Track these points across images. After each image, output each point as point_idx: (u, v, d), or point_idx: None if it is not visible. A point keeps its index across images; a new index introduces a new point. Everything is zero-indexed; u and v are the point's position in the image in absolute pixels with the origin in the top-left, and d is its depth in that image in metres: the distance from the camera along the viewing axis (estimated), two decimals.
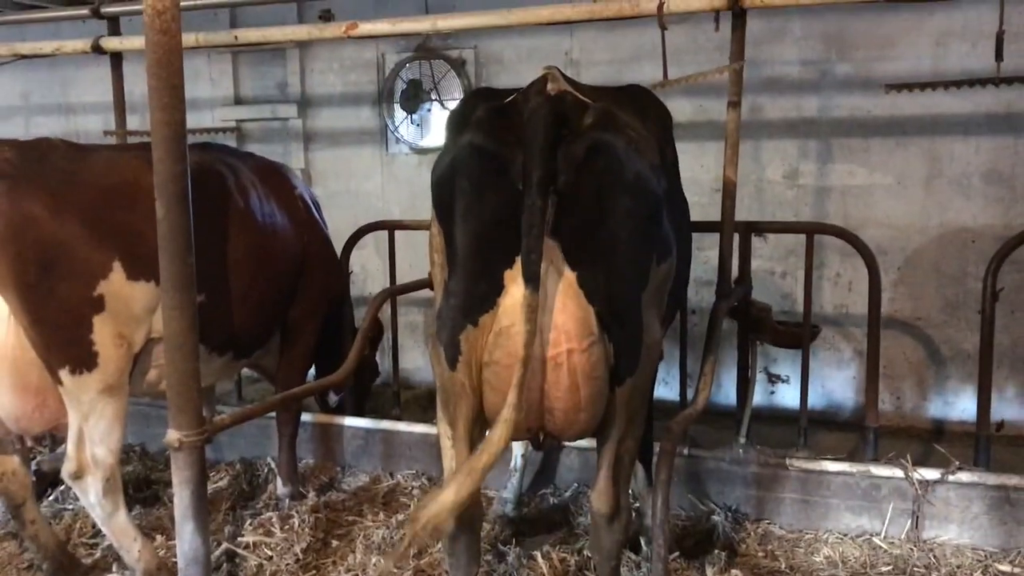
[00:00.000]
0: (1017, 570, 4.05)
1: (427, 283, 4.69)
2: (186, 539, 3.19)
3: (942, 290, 5.90)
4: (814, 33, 6.02)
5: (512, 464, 4.67)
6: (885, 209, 5.99)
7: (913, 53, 5.80)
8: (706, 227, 4.65)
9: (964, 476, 4.30)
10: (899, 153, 5.95)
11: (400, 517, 4.60)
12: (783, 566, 4.12)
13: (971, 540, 4.25)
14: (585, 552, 4.13)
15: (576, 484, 4.85)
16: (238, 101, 7.73)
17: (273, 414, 4.90)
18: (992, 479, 4.27)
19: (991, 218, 5.74)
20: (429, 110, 7.16)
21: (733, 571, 3.99)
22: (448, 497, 2.62)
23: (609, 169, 2.76)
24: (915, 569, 4.06)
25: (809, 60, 6.05)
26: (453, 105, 6.92)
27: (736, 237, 4.60)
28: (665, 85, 4.24)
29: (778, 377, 6.29)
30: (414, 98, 7.10)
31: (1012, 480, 4.24)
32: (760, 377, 6.12)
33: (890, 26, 5.84)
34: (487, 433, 2.68)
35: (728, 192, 4.35)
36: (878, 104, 5.89)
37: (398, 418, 5.52)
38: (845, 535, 4.38)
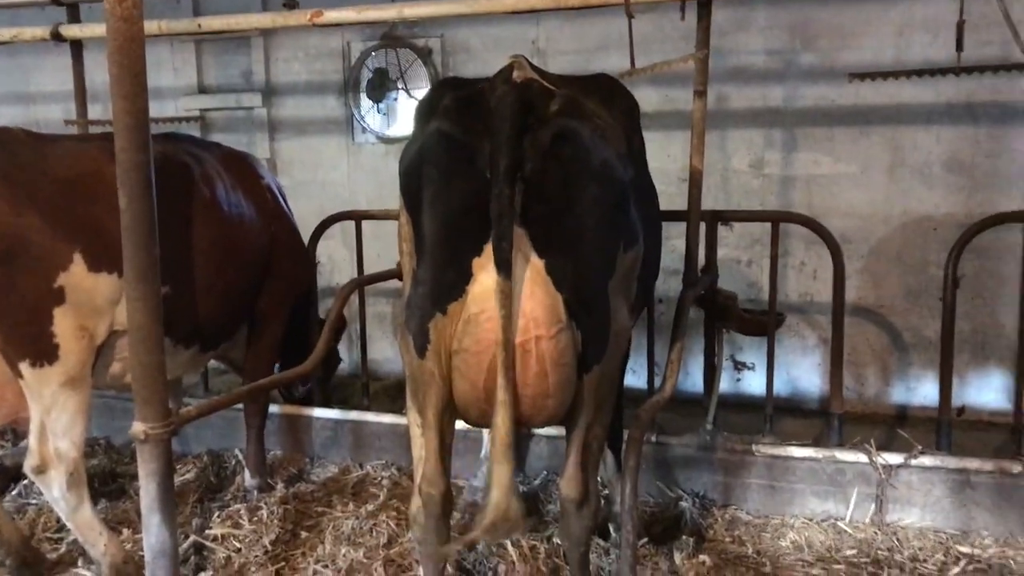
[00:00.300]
0: (977, 551, 4.13)
1: (395, 273, 4.69)
2: (153, 532, 3.16)
3: (904, 278, 5.98)
4: (779, 23, 6.06)
5: (483, 452, 4.68)
6: (849, 198, 6.06)
7: (876, 43, 5.86)
8: (673, 216, 4.67)
9: (926, 460, 4.37)
10: (863, 142, 6.01)
11: (370, 507, 4.60)
12: (750, 551, 4.17)
13: (933, 523, 4.33)
14: (555, 539, 4.15)
15: (545, 472, 4.87)
16: (202, 90, 7.64)
17: (240, 406, 4.87)
18: (953, 463, 4.35)
19: (952, 206, 5.82)
20: (395, 99, 7.13)
21: (701, 556, 4.03)
22: (496, 497, 2.67)
23: (575, 156, 2.77)
24: (879, 552, 4.13)
25: (774, 50, 6.10)
26: (420, 94, 6.88)
27: (703, 226, 4.63)
28: (632, 74, 4.24)
29: (744, 364, 6.35)
30: (380, 87, 7.06)
31: (972, 464, 4.32)
32: (726, 364, 6.18)
33: (853, 16, 5.89)
34: (494, 422, 2.71)
35: (695, 181, 4.37)
36: (842, 94, 5.95)
37: (367, 408, 5.51)
38: (811, 519, 4.44)
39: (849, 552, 4.15)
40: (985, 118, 5.72)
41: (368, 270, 5.42)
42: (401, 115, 7.14)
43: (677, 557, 4.02)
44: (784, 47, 6.08)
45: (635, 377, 5.70)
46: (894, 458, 4.39)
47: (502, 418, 2.69)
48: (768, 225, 4.88)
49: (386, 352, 7.23)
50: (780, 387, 5.62)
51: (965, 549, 4.15)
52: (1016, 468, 4.27)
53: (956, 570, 3.98)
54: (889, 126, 5.94)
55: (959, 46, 4.72)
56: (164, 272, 3.09)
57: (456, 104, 2.82)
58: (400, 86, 7.05)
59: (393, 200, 3.12)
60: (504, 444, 2.70)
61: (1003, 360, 5.59)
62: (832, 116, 6.04)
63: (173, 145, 4.24)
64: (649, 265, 3.50)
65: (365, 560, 4.07)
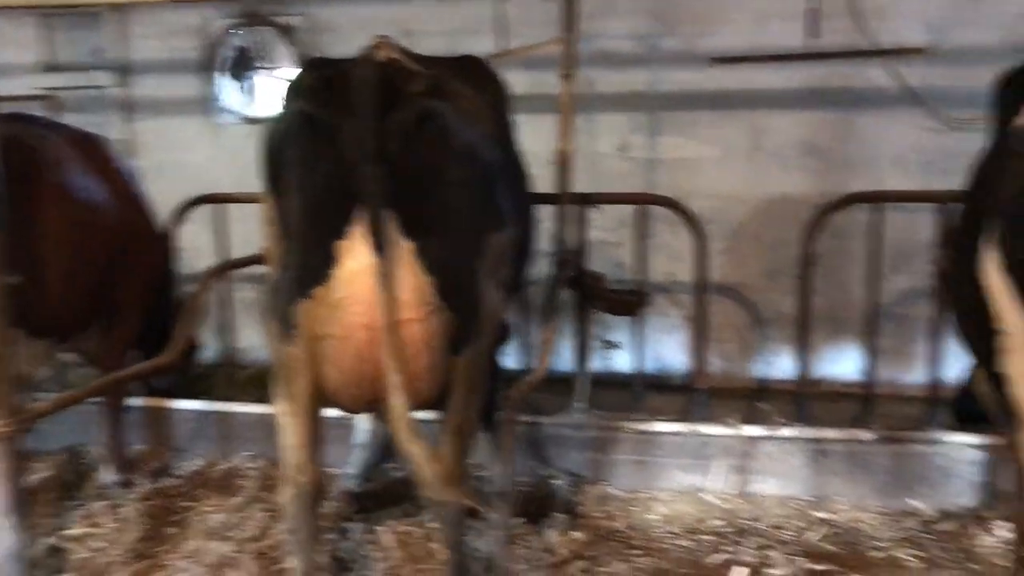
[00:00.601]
0: (832, 516, 4.34)
1: (261, 258, 4.55)
2: (5, 535, 2.99)
3: (764, 257, 6.21)
4: (642, 7, 6.16)
5: (356, 439, 4.61)
6: (711, 180, 6.23)
7: (735, 29, 6.03)
8: (543, 199, 4.70)
9: (786, 432, 4.56)
10: (724, 126, 6.19)
11: (238, 500, 4.47)
12: (622, 526, 4.26)
13: (792, 491, 4.52)
14: (430, 524, 4.14)
15: None
16: (51, 68, 7.22)
17: (98, 399, 4.64)
18: (810, 433, 4.56)
19: (808, 188, 6.06)
20: (257, 78, 6.90)
21: (574, 533, 4.10)
22: (424, 476, 2.81)
23: (440, 137, 2.75)
24: (742, 521, 4.28)
25: (638, 34, 6.20)
26: (283, 74, 6.71)
27: (572, 209, 4.68)
28: (501, 56, 4.24)
29: (613, 344, 6.47)
30: (242, 66, 6.83)
31: (828, 434, 4.53)
32: (596, 344, 6.28)
33: (713, 2, 6.04)
34: (390, 405, 2.69)
35: (563, 165, 4.41)
36: (704, 78, 6.10)
37: (233, 399, 5.34)
38: (679, 492, 4.56)
39: (715, 522, 4.29)
40: (836, 103, 5.98)
41: (233, 255, 5.25)
42: (263, 95, 6.93)
43: (551, 535, 4.08)
44: (648, 32, 6.19)
45: (509, 358, 5.73)
46: (756, 430, 4.56)
47: (397, 402, 2.67)
48: (634, 208, 4.97)
49: (253, 340, 7.02)
50: (647, 364, 5.74)
51: (822, 515, 4.36)
52: (867, 436, 4.50)
53: (813, 535, 4.17)
54: (749, 110, 6.14)
55: (812, 32, 4.91)
56: (12, 260, 2.91)
57: (318, 84, 2.76)
58: (261, 65, 6.83)
59: (257, 182, 3.02)
60: (406, 425, 2.69)
61: (855, 334, 5.87)
62: (695, 100, 6.19)
63: (17, 126, 3.99)
64: (522, 248, 3.51)
65: (235, 554, 3.96)
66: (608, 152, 6.36)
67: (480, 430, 4.07)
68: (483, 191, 2.93)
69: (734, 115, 6.15)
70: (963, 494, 4.40)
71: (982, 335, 2.70)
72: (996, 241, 2.54)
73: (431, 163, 2.72)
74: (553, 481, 4.57)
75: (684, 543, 4.10)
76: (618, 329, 6.41)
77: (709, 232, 5.00)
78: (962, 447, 4.42)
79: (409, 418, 2.70)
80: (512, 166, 3.52)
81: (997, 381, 2.66)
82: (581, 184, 4.77)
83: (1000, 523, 4.12)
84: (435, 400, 3.03)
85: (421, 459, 2.73)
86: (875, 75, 5.80)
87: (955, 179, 3.70)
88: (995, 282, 2.53)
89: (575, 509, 4.39)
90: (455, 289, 2.80)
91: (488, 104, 3.27)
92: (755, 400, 5.40)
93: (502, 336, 3.69)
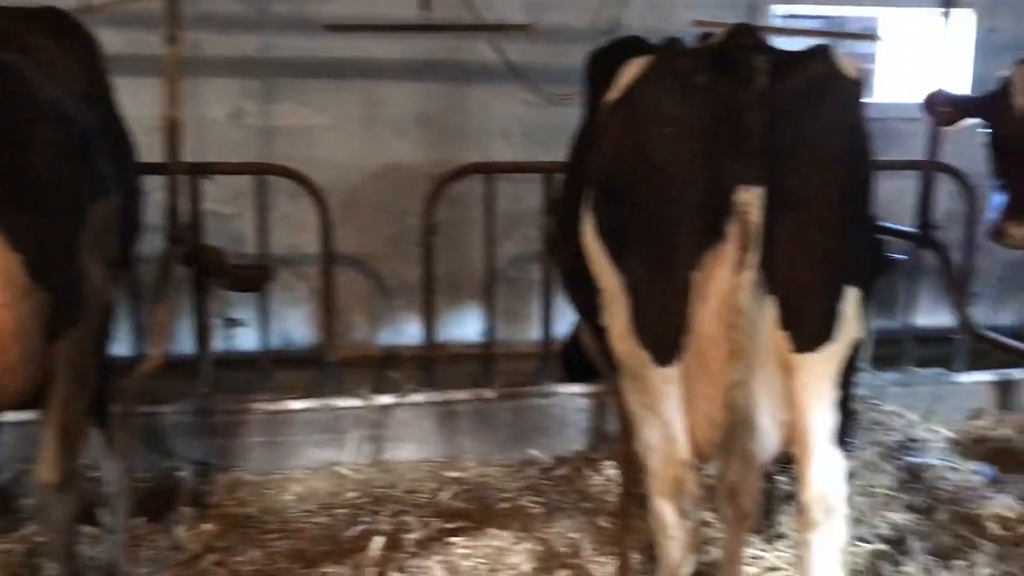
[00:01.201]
0: (462, 474, 4.52)
1: None
2: None
3: (385, 226, 6.26)
4: None
5: None
6: (329, 149, 6.15)
7: None
8: (150, 169, 4.33)
9: (416, 397, 4.66)
10: (340, 95, 6.13)
11: None
12: (255, 511, 4.11)
13: (426, 455, 4.63)
14: (35, 538, 3.67)
15: (17, 463, 4.28)
16: None
17: None
18: (439, 397, 4.70)
19: (424, 158, 6.20)
20: None
21: (204, 526, 3.88)
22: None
23: (16, 96, 2.39)
24: (378, 490, 4.32)
25: None
26: None
27: (183, 179, 4.37)
28: (90, 11, 3.81)
29: (236, 321, 6.19)
30: None
31: (455, 395, 4.70)
32: (217, 323, 5.96)
33: None
34: None
35: (171, 132, 4.09)
36: (318, 46, 5.98)
37: None
38: (314, 469, 4.49)
39: (351, 495, 4.27)
40: (448, 76, 6.16)
41: None
42: None
43: (178, 531, 3.81)
44: None
45: (120, 344, 5.25)
46: (387, 399, 4.60)
47: None
48: (251, 177, 4.76)
49: None
50: (274, 341, 5.57)
51: (453, 474, 4.51)
52: (490, 394, 4.73)
53: (446, 494, 4.30)
54: (364, 80, 6.13)
55: (424, 5, 5.00)
56: None
57: None
58: None
59: None
60: None
61: (475, 298, 6.12)
62: (309, 68, 6.06)
63: None
64: (129, 219, 3.20)
65: None
66: (220, 119, 6.03)
67: (90, 425, 3.69)
68: (78, 155, 2.61)
69: (350, 84, 6.11)
70: (576, 440, 4.79)
71: (585, 294, 2.91)
72: (591, 208, 2.74)
73: (9, 124, 2.36)
74: (178, 473, 4.26)
75: (320, 520, 4.05)
76: (241, 306, 6.14)
77: (330, 202, 4.92)
78: (573, 397, 4.80)
79: None
80: (111, 129, 3.18)
81: (599, 334, 2.88)
82: (191, 153, 4.48)
83: (607, 463, 4.53)
84: (33, 396, 2.67)
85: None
86: (482, 50, 6.05)
87: (556, 151, 3.96)
88: (592, 246, 2.73)
89: (204, 500, 4.14)
90: (50, 266, 2.46)
91: (77, 61, 2.91)
92: (385, 369, 5.45)
93: (108, 318, 3.34)
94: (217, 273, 4.53)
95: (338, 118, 6.16)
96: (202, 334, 4.72)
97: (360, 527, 3.97)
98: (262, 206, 4.80)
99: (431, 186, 5.00)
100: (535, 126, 6.21)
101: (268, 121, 6.10)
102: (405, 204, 6.09)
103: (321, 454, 4.54)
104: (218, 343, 5.61)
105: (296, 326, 6.31)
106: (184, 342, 5.06)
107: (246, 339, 6.14)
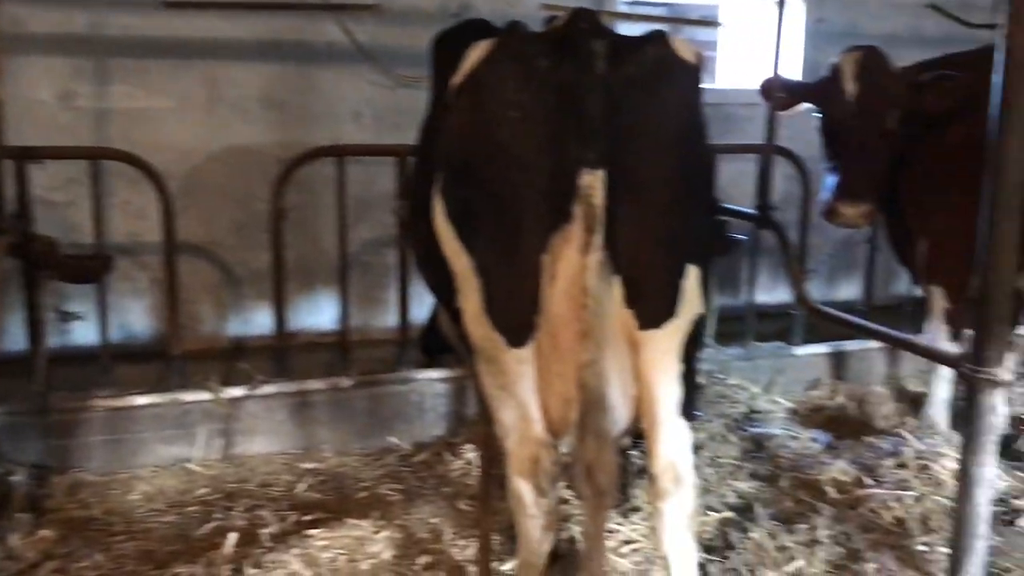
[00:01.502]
0: (319, 465, 4.46)
1: None
2: None
3: (232, 212, 6.05)
4: None
5: None
6: (170, 133, 5.88)
7: None
8: None
9: (268, 388, 4.55)
10: (181, 76, 5.87)
11: None
12: (98, 513, 3.94)
13: (279, 447, 4.54)
14: None
15: None
16: None
17: None
18: (292, 387, 4.60)
19: (270, 142, 6.01)
20: None
21: (41, 532, 3.69)
22: None
23: None
24: (231, 485, 4.21)
25: None
26: None
27: (8, 164, 4.10)
28: None
29: (72, 314, 5.86)
30: None
31: (309, 385, 4.62)
32: (52, 316, 5.64)
33: None
34: None
35: None
36: (156, 25, 5.71)
37: None
38: (161, 467, 4.33)
39: (202, 491, 4.15)
40: (295, 57, 6.00)
41: None
42: None
43: (12, 539, 3.59)
44: None
45: None
46: (237, 391, 4.48)
47: None
48: (85, 163, 4.52)
49: None
50: (115, 334, 5.30)
51: (310, 465, 4.44)
52: (346, 383, 4.67)
53: (303, 485, 4.23)
54: (207, 60, 5.88)
55: None
56: None
57: None
58: None
59: None
60: None
61: (328, 284, 6.00)
62: (147, 48, 5.77)
63: None
64: None
65: None
66: (48, 101, 5.67)
67: None
68: None
69: (191, 65, 5.86)
70: (436, 425, 4.79)
71: (439, 277, 2.90)
72: (440, 192, 2.74)
73: None
74: (11, 478, 4.01)
75: (170, 519, 3.92)
76: (77, 298, 5.83)
77: (172, 188, 4.73)
78: (431, 382, 4.80)
79: None
80: None
81: (456, 317, 2.88)
82: (17, 137, 4.21)
83: (467, 446, 4.55)
84: None
85: None
86: (331, 31, 5.92)
87: (409, 133, 3.92)
88: (443, 229, 2.73)
89: (41, 504, 3.92)
90: None
91: None
92: (234, 360, 5.29)
93: None
94: (49, 264, 4.29)
95: (179, 100, 5.89)
96: (34, 329, 4.45)
97: (212, 524, 3.86)
98: (98, 193, 4.55)
99: (279, 170, 4.86)
100: (387, 108, 6.13)
101: (102, 103, 5.78)
102: (252, 189, 5.91)
103: (169, 451, 4.38)
104: (53, 338, 5.32)
105: (138, 318, 6.02)
106: (16, 338, 4.77)
107: (84, 333, 5.82)
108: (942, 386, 4.78)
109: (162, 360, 4.84)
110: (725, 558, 3.59)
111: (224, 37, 5.85)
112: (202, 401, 4.42)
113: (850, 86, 4.44)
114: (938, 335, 4.58)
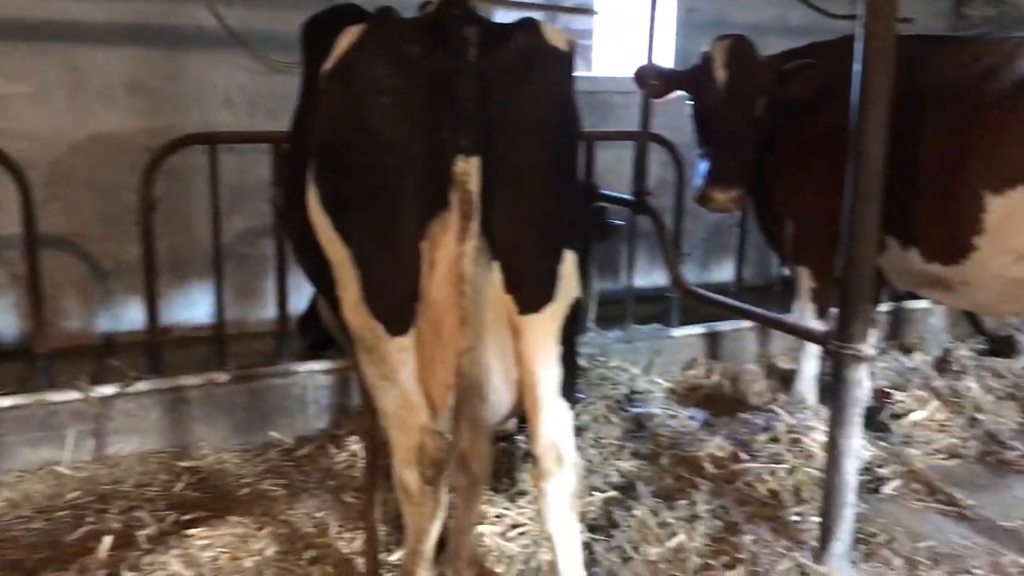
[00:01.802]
0: (197, 463, 4.35)
1: None
2: None
3: (98, 203, 5.80)
4: None
5: None
6: (29, 120, 5.59)
7: None
8: None
9: (141, 385, 4.40)
10: (40, 61, 5.58)
11: None
12: None
13: (155, 446, 4.40)
14: None
15: None
16: None
17: None
18: (166, 383, 4.46)
19: (138, 129, 5.79)
20: None
21: None
22: None
23: None
24: (103, 487, 4.06)
25: None
26: None
27: None
28: None
29: None
30: None
31: (185, 381, 4.48)
32: None
33: None
34: None
35: None
36: (12, 7, 5.41)
37: None
38: (28, 471, 4.14)
39: (73, 495, 3.99)
40: (161, 41, 5.78)
41: None
42: None
43: None
44: None
45: None
46: (108, 390, 4.32)
47: None
48: None
49: None
50: None
51: (187, 463, 4.31)
52: (223, 378, 4.55)
53: (180, 485, 4.11)
54: (68, 45, 5.61)
55: None
56: None
57: None
58: None
59: None
60: None
61: (202, 276, 5.82)
62: (4, 30, 5.46)
63: None
64: None
65: None
66: None
67: None
68: None
69: (51, 49, 5.58)
70: (319, 418, 4.73)
71: (317, 266, 2.86)
72: (314, 179, 2.69)
73: None
74: None
75: (38, 525, 3.75)
76: None
77: (32, 179, 4.50)
78: (312, 374, 4.72)
79: None
80: None
81: (335, 307, 2.84)
82: None
83: (352, 438, 4.50)
84: None
85: None
86: (200, 14, 5.73)
87: (283, 120, 3.83)
88: (317, 218, 2.69)
89: None
90: None
91: None
92: (104, 357, 5.08)
93: None
94: None
95: (38, 86, 5.61)
96: None
97: (85, 528, 3.72)
98: None
99: (148, 159, 4.68)
100: (261, 94, 5.99)
101: None
102: (119, 179, 5.68)
103: (36, 454, 4.19)
104: None
105: None
106: None
107: None
108: (810, 362, 4.98)
109: (27, 359, 4.62)
110: (610, 536, 3.66)
111: (87, 20, 5.60)
112: (71, 401, 4.24)
113: (720, 74, 4.57)
114: (806, 314, 4.78)
